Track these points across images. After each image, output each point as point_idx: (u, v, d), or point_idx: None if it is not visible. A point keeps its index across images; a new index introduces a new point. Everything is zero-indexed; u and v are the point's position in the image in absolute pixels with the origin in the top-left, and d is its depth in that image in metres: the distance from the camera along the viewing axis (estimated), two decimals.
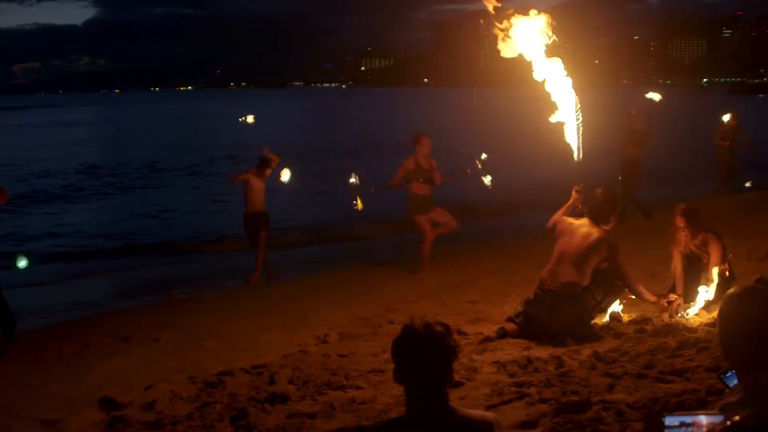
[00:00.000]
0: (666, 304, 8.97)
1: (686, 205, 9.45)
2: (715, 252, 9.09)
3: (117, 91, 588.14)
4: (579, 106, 9.12)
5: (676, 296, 9.07)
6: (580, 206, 9.30)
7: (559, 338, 8.40)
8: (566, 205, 9.33)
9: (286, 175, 14.40)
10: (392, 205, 18.31)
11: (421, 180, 13.19)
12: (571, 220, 9.12)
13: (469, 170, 13.90)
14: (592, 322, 8.79)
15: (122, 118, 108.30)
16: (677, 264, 9.42)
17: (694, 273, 9.30)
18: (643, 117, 17.87)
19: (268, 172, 14.16)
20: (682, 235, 9.26)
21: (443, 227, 13.64)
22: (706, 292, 9.00)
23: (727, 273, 9.15)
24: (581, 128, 9.14)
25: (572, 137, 9.18)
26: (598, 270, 8.84)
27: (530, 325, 8.73)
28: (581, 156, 9.23)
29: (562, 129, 9.22)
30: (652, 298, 9.00)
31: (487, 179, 13.52)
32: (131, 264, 16.96)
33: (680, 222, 9.24)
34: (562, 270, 8.76)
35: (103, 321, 11.84)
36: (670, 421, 3.03)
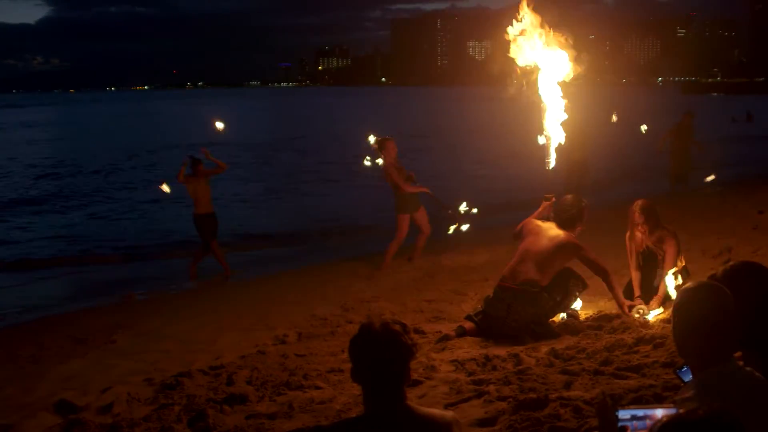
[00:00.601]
0: (629, 312, 8.83)
1: (645, 200, 9.44)
2: (670, 250, 9.12)
3: (72, 90, 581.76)
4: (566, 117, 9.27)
5: (643, 307, 8.97)
6: (549, 214, 9.36)
7: (518, 336, 8.42)
8: (536, 213, 9.39)
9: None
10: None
11: (406, 180, 13.35)
12: (539, 222, 9.16)
13: (450, 211, 13.89)
14: (549, 320, 8.83)
15: (76, 118, 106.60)
16: (633, 263, 9.47)
17: (650, 270, 9.35)
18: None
19: (201, 167, 14.39)
20: (640, 231, 9.30)
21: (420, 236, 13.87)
22: (661, 293, 9.01)
23: (680, 275, 9.14)
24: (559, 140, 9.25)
25: (550, 146, 9.27)
26: (560, 271, 8.88)
27: (489, 324, 8.75)
28: (554, 165, 9.33)
29: (534, 136, 9.32)
30: (625, 303, 8.80)
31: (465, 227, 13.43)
32: (87, 267, 16.71)
33: (639, 218, 9.25)
34: (524, 268, 8.77)
35: (58, 323, 11.70)
36: (623, 414, 3.08)
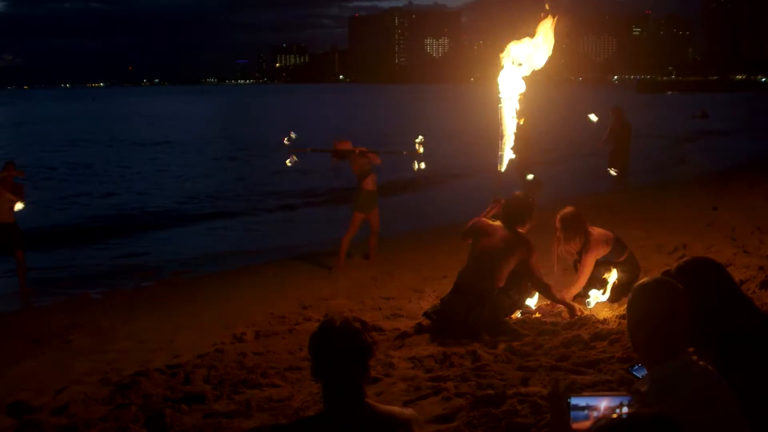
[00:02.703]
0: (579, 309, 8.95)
1: (567, 210, 9.32)
2: (584, 262, 9.16)
3: (26, 87, 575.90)
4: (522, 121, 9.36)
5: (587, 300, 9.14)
6: (497, 214, 9.39)
7: (475, 333, 8.44)
8: (484, 213, 9.39)
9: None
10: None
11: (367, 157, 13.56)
12: (489, 221, 9.16)
13: (405, 152, 13.94)
14: (507, 317, 8.86)
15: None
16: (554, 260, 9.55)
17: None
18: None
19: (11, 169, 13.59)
20: (557, 238, 9.32)
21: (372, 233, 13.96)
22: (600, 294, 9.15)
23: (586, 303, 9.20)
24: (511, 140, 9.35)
25: (503, 148, 9.34)
26: (514, 270, 8.89)
27: (446, 322, 8.76)
28: (504, 167, 9.41)
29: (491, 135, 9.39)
30: (574, 306, 8.90)
31: (422, 165, 13.39)
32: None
33: (557, 224, 9.27)
34: (480, 271, 8.76)
35: (12, 322, 11.55)
36: (575, 401, 3.11)
